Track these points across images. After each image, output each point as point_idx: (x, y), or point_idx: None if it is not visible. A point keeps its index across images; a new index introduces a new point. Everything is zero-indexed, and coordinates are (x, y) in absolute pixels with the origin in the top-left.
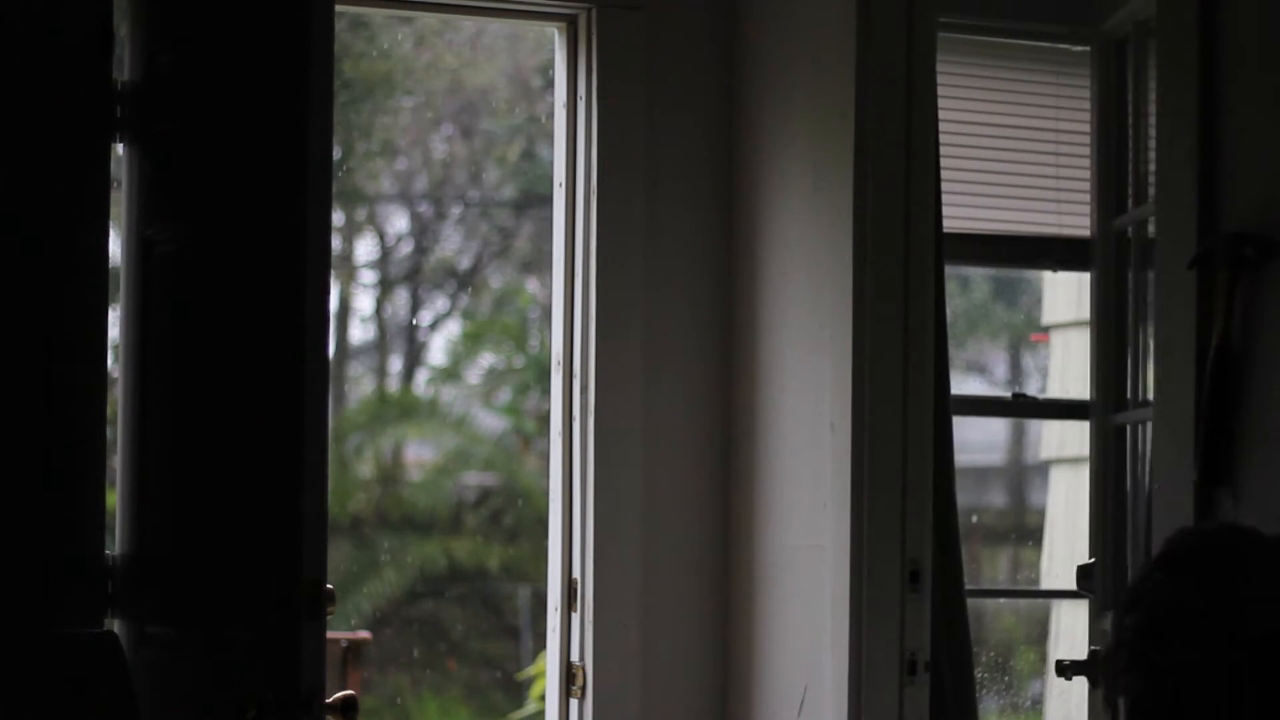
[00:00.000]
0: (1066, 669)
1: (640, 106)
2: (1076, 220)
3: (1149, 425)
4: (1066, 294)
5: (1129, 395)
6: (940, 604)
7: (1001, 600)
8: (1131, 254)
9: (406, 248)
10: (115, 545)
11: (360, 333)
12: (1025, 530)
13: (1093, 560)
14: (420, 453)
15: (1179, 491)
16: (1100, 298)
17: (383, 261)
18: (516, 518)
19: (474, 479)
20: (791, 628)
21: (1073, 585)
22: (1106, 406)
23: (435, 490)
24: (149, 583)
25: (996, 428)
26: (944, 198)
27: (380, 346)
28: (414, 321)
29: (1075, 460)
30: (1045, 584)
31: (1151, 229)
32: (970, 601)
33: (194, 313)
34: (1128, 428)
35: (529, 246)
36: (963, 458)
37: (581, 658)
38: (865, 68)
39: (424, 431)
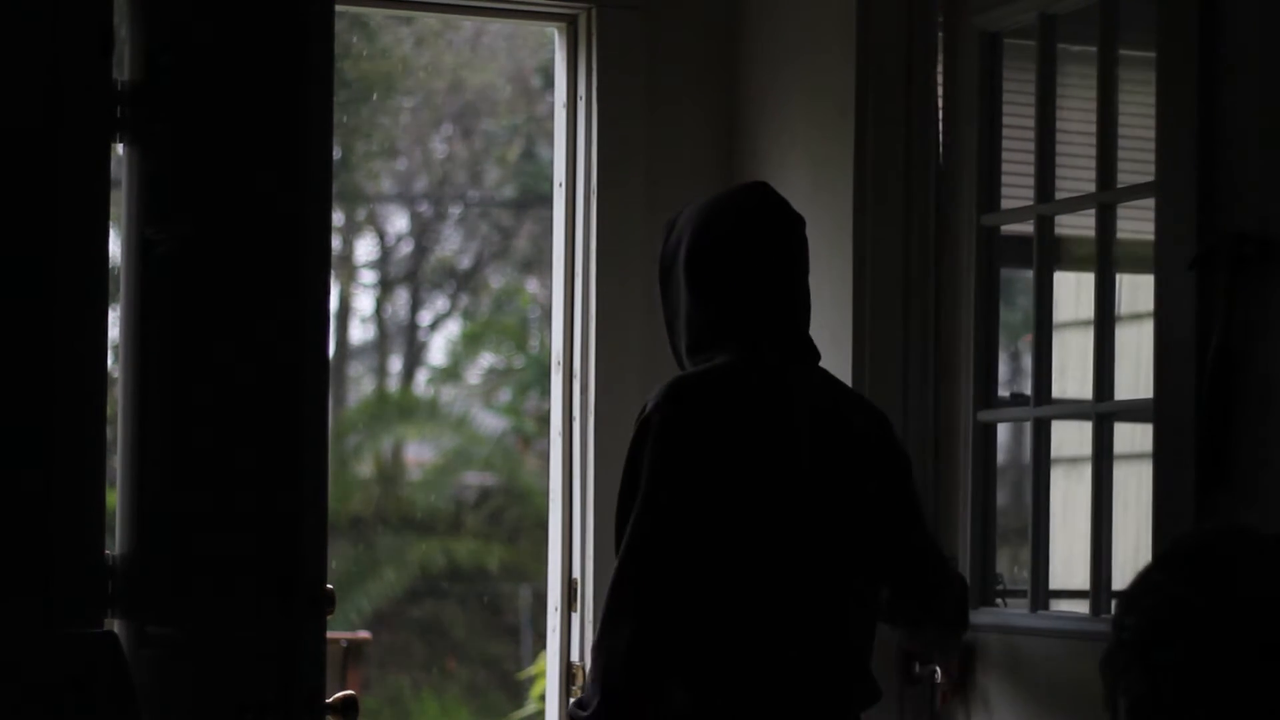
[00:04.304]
0: None
1: (640, 106)
2: (1076, 220)
3: None
4: (1066, 294)
5: None
6: None
7: None
8: None
9: (406, 248)
10: (115, 545)
11: (360, 333)
12: (1025, 530)
13: None
14: (420, 453)
15: (1179, 491)
16: None
17: (383, 261)
18: (516, 518)
19: (474, 479)
20: None
21: (1072, 585)
22: None
23: (435, 490)
24: (149, 583)
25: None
26: None
27: (380, 346)
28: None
29: (1075, 460)
30: None
31: None
32: None
33: (194, 313)
34: None
35: (529, 246)
36: None
37: (581, 658)
38: (865, 68)
39: (424, 431)
